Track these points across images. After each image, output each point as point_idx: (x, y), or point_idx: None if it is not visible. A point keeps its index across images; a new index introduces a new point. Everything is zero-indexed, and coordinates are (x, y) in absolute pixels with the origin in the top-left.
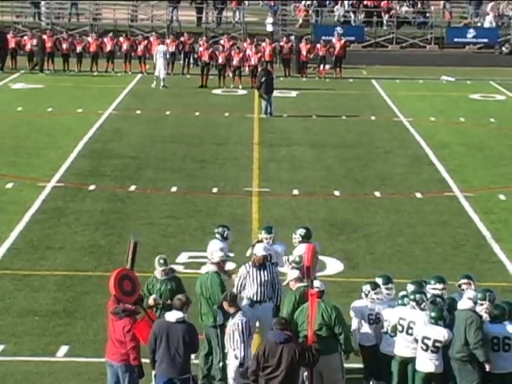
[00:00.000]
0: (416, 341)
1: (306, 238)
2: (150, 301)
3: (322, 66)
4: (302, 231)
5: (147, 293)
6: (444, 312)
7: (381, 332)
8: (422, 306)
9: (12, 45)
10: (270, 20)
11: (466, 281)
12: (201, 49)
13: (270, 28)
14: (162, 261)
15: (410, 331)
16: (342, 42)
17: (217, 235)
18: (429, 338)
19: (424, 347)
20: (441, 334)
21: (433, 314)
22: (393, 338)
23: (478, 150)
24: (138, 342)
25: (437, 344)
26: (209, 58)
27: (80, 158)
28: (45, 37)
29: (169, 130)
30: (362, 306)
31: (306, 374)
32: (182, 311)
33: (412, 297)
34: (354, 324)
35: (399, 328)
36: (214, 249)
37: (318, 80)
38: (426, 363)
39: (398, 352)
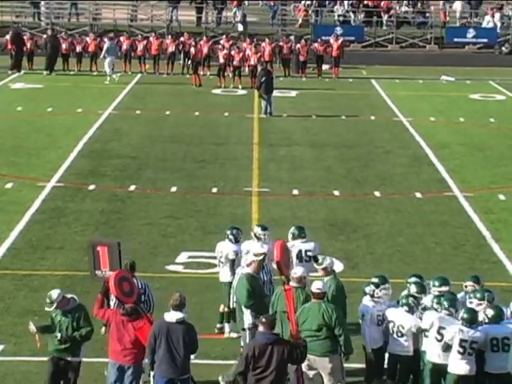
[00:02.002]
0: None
1: (298, 237)
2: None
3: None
4: (293, 230)
5: (51, 326)
6: (477, 314)
7: (387, 333)
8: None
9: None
10: (238, 19)
11: (471, 283)
12: (192, 49)
13: (240, 27)
14: (47, 299)
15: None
16: (339, 42)
17: (230, 236)
18: (466, 341)
19: (461, 350)
20: (476, 335)
21: (465, 316)
22: (399, 338)
23: (478, 149)
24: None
25: (473, 345)
26: (194, 57)
27: (80, 158)
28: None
29: (169, 130)
30: (370, 306)
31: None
32: (181, 311)
33: (447, 304)
34: (366, 326)
35: (438, 337)
36: (228, 251)
37: (317, 80)
38: (461, 365)
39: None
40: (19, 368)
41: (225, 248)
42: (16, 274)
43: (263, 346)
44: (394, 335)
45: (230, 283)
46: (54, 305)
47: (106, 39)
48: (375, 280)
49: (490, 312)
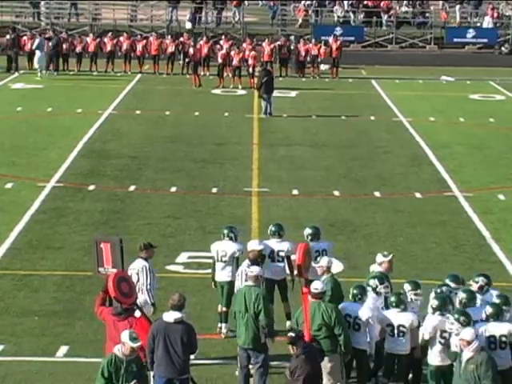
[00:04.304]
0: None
1: (273, 235)
2: None
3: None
4: (271, 227)
5: (107, 379)
6: (501, 308)
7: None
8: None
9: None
10: (187, 17)
11: (484, 282)
12: (191, 50)
13: (188, 25)
14: (134, 334)
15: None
16: (339, 42)
17: (230, 235)
18: (494, 336)
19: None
20: (505, 328)
21: (491, 311)
22: (400, 337)
23: (478, 149)
24: (143, 340)
25: (503, 339)
26: (193, 57)
27: (79, 158)
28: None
29: (169, 130)
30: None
31: None
32: (180, 312)
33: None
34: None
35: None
36: (233, 250)
37: (317, 80)
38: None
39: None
40: (19, 368)
41: (227, 247)
42: (16, 273)
43: (305, 360)
44: (395, 336)
45: (229, 282)
46: (140, 342)
47: (37, 35)
48: (373, 281)
49: (489, 309)
